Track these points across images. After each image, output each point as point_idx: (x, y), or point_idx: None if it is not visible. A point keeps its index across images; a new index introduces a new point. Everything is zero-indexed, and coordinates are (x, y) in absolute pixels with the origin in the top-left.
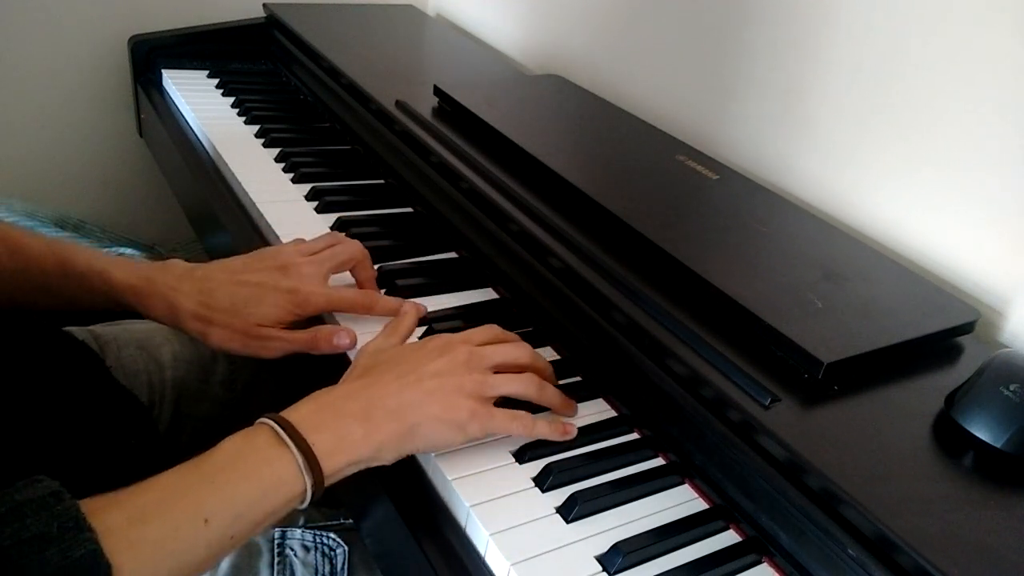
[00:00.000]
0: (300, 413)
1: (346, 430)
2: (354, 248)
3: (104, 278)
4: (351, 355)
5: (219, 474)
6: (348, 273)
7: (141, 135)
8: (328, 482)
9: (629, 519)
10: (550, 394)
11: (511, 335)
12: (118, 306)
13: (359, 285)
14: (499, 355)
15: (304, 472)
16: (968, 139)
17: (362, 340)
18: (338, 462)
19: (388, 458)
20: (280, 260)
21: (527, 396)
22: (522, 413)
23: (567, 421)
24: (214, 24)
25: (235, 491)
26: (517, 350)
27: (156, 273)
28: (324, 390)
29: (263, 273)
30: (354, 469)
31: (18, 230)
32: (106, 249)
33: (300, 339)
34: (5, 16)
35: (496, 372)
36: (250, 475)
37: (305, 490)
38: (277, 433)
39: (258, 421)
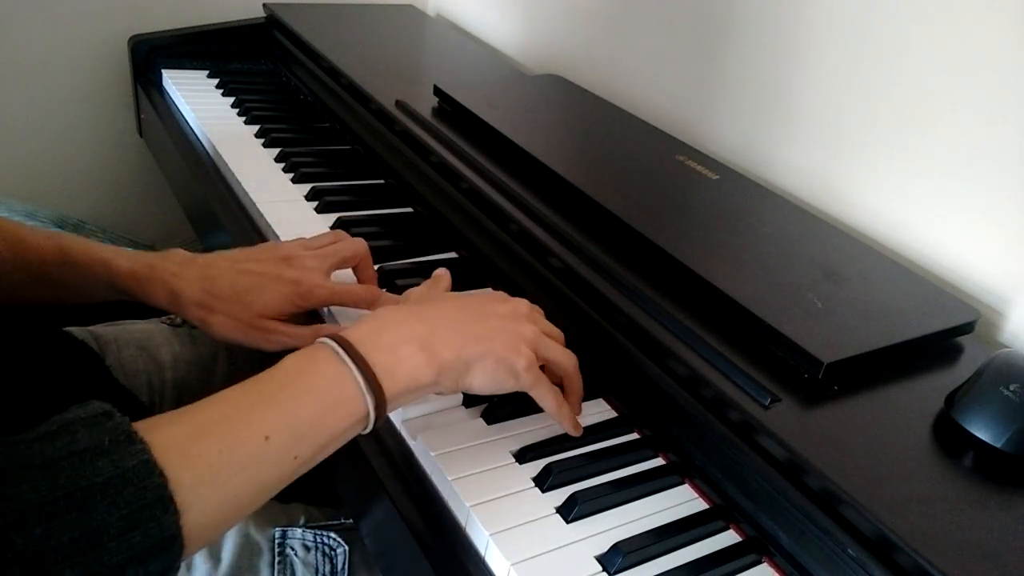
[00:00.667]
0: (360, 332)
1: (407, 352)
2: (357, 245)
3: (105, 266)
4: None
5: (278, 391)
6: (350, 272)
7: (141, 135)
8: (390, 406)
9: (629, 519)
10: (579, 379)
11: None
12: (119, 295)
13: (360, 283)
14: (548, 326)
15: (365, 393)
16: (968, 139)
17: None
18: (399, 385)
19: (447, 386)
20: (283, 252)
21: (568, 367)
22: (558, 389)
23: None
24: (214, 24)
25: (295, 408)
26: (558, 330)
27: (157, 260)
28: (385, 309)
29: (266, 263)
30: (415, 395)
31: (17, 223)
32: None
33: (302, 334)
34: (5, 16)
35: None
36: (310, 392)
37: (368, 413)
38: (336, 352)
39: (318, 340)
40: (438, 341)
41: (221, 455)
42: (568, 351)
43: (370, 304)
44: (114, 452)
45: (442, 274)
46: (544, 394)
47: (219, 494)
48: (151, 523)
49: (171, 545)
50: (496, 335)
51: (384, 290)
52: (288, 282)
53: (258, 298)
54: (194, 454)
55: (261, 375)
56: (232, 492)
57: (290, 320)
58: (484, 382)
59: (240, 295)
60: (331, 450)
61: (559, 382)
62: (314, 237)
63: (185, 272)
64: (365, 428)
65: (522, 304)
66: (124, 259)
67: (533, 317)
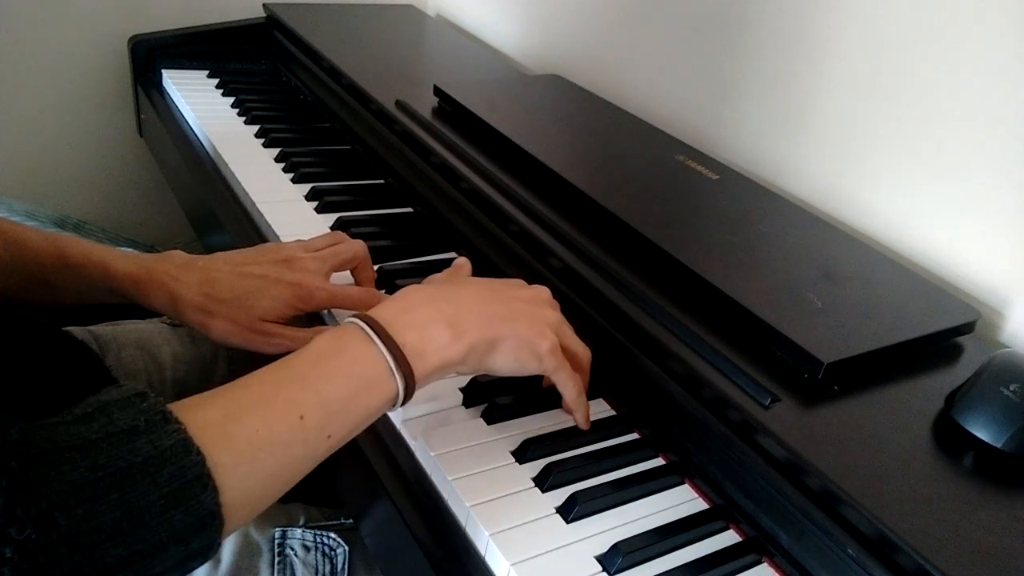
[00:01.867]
0: (388, 312)
1: (434, 332)
2: (356, 247)
3: (103, 269)
4: None
5: (311, 371)
6: (348, 273)
7: (141, 135)
8: (419, 385)
9: (629, 519)
10: (588, 375)
11: None
12: (118, 298)
13: (359, 285)
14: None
15: (395, 373)
16: (969, 140)
17: None
18: (428, 364)
19: (472, 366)
20: (283, 254)
21: (583, 360)
22: (579, 376)
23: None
24: (214, 24)
25: (327, 388)
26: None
27: (156, 263)
28: (411, 288)
29: (266, 266)
30: (443, 374)
31: (15, 224)
32: None
33: (302, 338)
34: (5, 16)
35: None
36: (341, 373)
37: (397, 392)
38: (366, 332)
39: (347, 320)
40: (463, 321)
41: (259, 434)
42: (585, 345)
43: (369, 307)
44: (151, 432)
45: (462, 263)
46: (566, 379)
47: (256, 473)
48: (191, 501)
49: (211, 523)
50: (520, 317)
51: (383, 292)
52: (288, 285)
53: (258, 301)
54: (231, 434)
55: (291, 356)
56: (269, 471)
57: (290, 323)
58: (507, 362)
59: (240, 298)
60: (362, 428)
61: None
62: (313, 239)
63: (184, 276)
64: (395, 406)
65: (544, 290)
66: (122, 262)
67: (554, 304)
